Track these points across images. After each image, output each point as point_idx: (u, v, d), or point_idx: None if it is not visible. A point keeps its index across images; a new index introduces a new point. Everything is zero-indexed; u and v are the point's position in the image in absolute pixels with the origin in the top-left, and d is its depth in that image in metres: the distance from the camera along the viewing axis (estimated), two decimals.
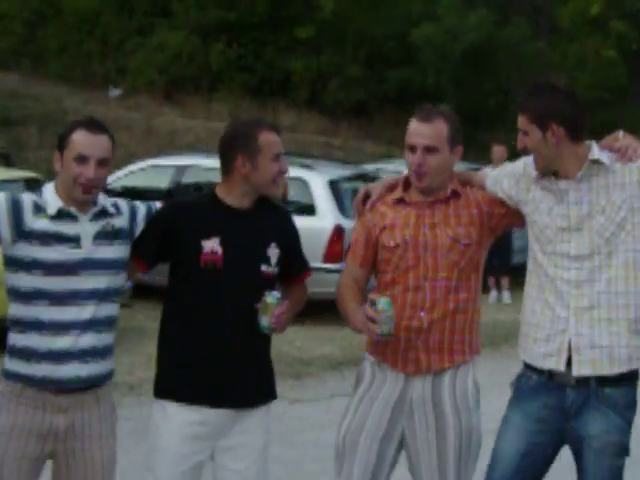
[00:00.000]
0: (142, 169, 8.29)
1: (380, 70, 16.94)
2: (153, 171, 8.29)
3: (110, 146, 2.65)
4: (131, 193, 6.19)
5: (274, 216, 3.01)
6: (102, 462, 2.85)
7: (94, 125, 2.64)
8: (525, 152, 2.83)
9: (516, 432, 2.88)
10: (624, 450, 2.80)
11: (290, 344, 6.50)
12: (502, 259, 8.35)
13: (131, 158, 10.24)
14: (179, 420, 2.86)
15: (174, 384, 2.89)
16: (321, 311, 6.53)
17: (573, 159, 2.70)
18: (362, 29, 17.01)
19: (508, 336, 6.38)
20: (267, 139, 2.74)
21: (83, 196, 2.61)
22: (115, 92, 17.62)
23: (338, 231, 7.05)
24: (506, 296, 8.75)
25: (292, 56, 16.70)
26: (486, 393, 3.17)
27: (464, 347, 3.02)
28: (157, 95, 16.68)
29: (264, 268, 2.86)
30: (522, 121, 2.73)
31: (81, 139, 2.57)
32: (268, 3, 16.40)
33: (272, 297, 2.83)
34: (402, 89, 16.54)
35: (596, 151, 2.70)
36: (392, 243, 2.92)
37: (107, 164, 2.66)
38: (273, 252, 2.90)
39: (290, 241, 3.01)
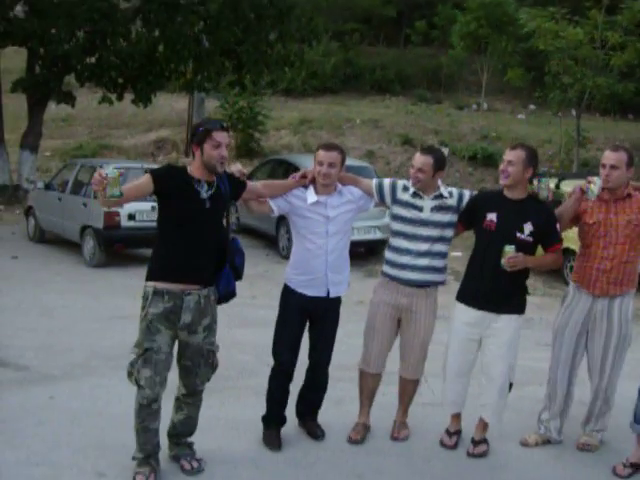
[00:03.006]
0: None
1: None
2: None
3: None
4: None
5: (535, 206, 4.36)
6: (425, 326, 4.58)
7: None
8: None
9: None
10: None
11: None
12: None
13: None
14: (462, 312, 4.52)
15: (460, 292, 4.57)
16: None
17: None
18: None
19: None
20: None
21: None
22: None
23: None
24: None
25: None
26: None
27: (629, 282, 4.50)
28: None
29: (518, 234, 4.28)
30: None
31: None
32: None
33: (508, 247, 4.19)
34: None
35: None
36: (591, 221, 4.46)
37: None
38: (527, 227, 4.29)
39: (544, 223, 4.33)
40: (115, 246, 10.61)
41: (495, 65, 25.18)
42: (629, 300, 4.54)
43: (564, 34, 16.60)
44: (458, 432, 4.82)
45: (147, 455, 3.97)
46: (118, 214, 10.30)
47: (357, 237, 10.61)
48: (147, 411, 3.91)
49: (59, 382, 5.65)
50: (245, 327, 7.33)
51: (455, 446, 4.72)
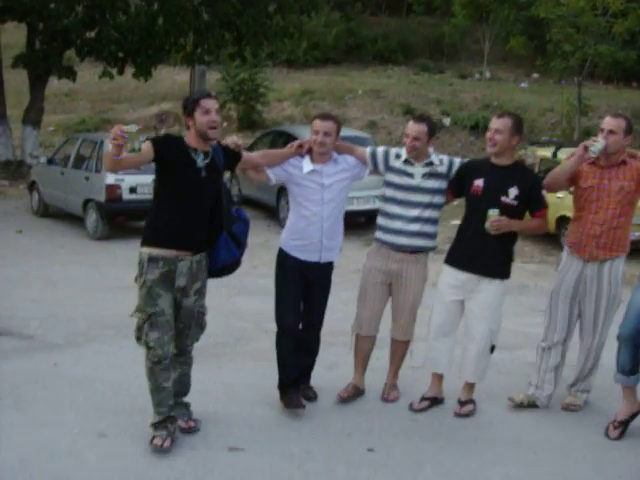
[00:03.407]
0: None
1: None
2: None
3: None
4: None
5: (522, 172, 4.58)
6: (414, 291, 4.76)
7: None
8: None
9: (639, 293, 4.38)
10: None
11: None
12: None
13: None
14: (447, 274, 4.69)
15: (448, 255, 4.73)
16: None
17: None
18: None
19: None
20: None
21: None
22: None
23: None
24: None
25: None
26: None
27: (619, 247, 4.60)
28: None
29: (503, 198, 4.41)
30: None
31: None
32: None
33: (492, 211, 4.32)
34: None
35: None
36: (585, 185, 4.60)
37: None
38: (512, 191, 4.42)
39: (529, 188, 4.46)
40: (117, 219, 10.81)
41: (498, 33, 25.05)
42: (619, 263, 4.64)
43: (565, 1, 16.54)
44: (434, 399, 4.90)
45: (163, 419, 4.12)
46: (120, 187, 10.45)
47: (357, 207, 10.86)
48: (159, 367, 4.06)
49: (62, 350, 5.87)
50: (245, 295, 7.55)
51: (421, 410, 4.82)
